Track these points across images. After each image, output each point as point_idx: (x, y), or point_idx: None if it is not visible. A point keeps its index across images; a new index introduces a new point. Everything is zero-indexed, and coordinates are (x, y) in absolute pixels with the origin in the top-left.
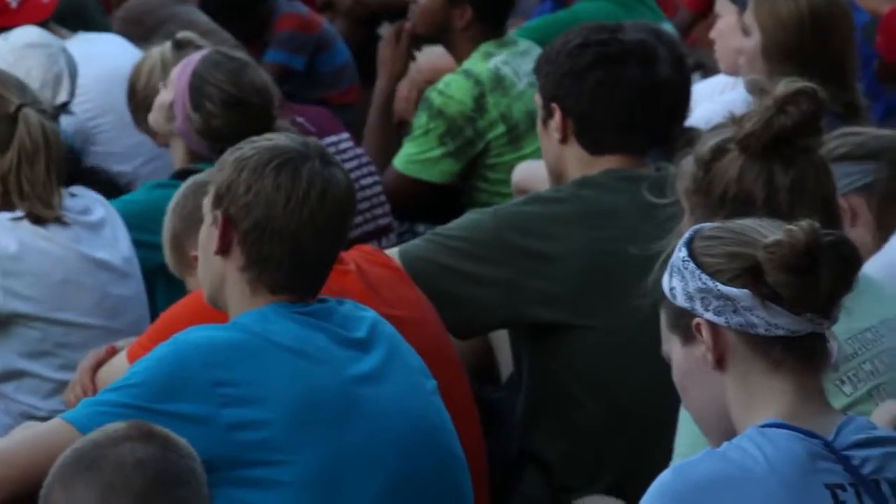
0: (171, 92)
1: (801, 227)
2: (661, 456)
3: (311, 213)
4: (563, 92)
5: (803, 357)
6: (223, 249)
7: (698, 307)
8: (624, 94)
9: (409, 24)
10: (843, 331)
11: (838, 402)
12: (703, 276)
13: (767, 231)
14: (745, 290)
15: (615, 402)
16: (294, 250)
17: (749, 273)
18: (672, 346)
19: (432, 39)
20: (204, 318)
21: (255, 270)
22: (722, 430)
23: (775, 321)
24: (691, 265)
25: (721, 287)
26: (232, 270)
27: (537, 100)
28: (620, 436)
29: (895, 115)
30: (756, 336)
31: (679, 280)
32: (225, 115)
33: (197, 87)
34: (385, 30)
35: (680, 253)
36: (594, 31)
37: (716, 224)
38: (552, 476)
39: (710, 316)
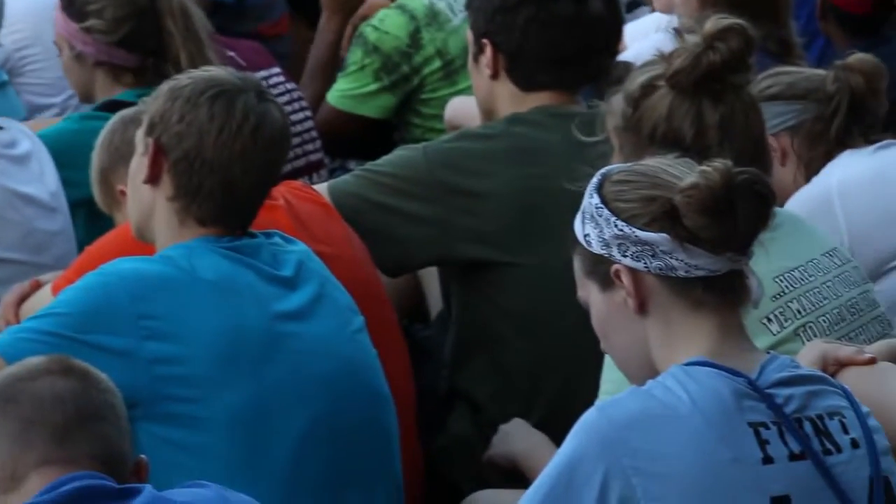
0: (63, 43)
1: (715, 167)
2: (589, 394)
3: (243, 147)
4: (494, 28)
5: (724, 295)
6: (153, 178)
7: (616, 254)
8: (556, 30)
9: None
10: (771, 270)
11: (766, 341)
12: (619, 223)
13: (679, 172)
14: (664, 235)
15: (544, 340)
16: (224, 183)
17: (666, 216)
18: (590, 293)
19: None
20: (130, 251)
21: (183, 201)
22: (645, 373)
23: (695, 262)
24: (605, 212)
25: (638, 232)
26: (161, 200)
27: (468, 36)
28: (549, 374)
29: (832, 51)
30: (676, 278)
31: (593, 227)
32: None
33: (69, 4)
34: None
35: (592, 199)
36: None
37: (623, 167)
38: (480, 414)
39: (628, 262)
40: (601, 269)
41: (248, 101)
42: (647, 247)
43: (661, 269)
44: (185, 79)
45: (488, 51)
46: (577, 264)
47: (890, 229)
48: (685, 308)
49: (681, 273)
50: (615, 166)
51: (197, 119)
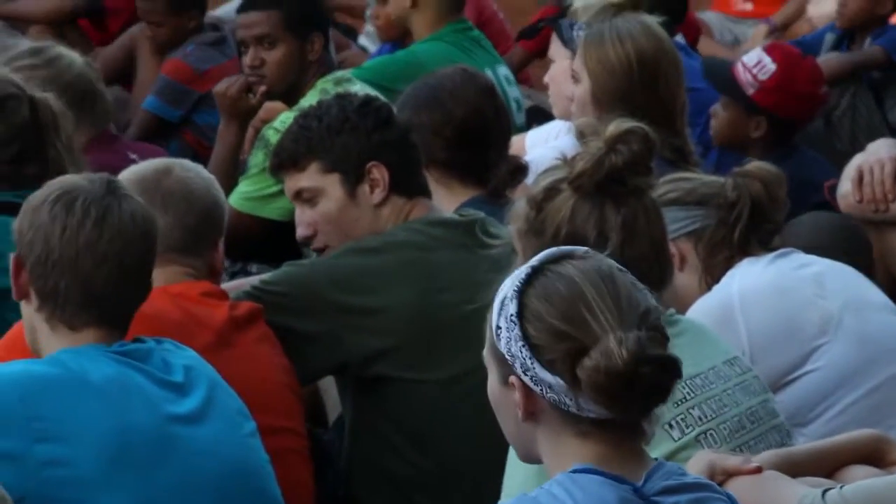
0: None
1: (627, 346)
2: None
3: (87, 240)
4: (375, 148)
5: (614, 430)
6: (21, 294)
7: (517, 368)
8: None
9: (265, 84)
10: None
11: (666, 447)
12: (524, 351)
13: (604, 319)
14: (560, 381)
15: (441, 453)
16: (77, 280)
17: (569, 359)
18: (489, 369)
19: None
20: (21, 351)
21: (48, 308)
22: (533, 457)
23: (588, 407)
24: (517, 330)
25: (538, 369)
26: (33, 314)
27: (325, 182)
28: (451, 486)
29: (727, 166)
30: (568, 411)
31: (505, 328)
32: None
33: None
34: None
35: (512, 302)
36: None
37: (558, 274)
38: None
39: (526, 380)
40: (502, 366)
41: (91, 197)
42: (544, 381)
43: (554, 401)
44: (38, 192)
45: (377, 172)
46: (487, 337)
47: (789, 341)
48: (573, 434)
49: (573, 410)
50: (549, 261)
51: (42, 224)
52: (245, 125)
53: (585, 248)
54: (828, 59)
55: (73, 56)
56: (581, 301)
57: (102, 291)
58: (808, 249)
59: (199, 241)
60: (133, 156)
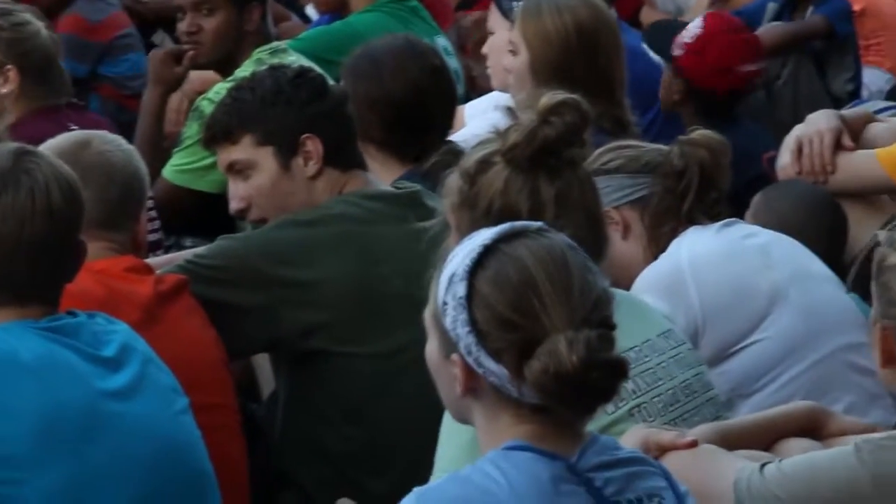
0: None
1: (577, 351)
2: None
3: None
4: (308, 120)
5: (553, 414)
6: None
7: (461, 348)
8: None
9: (194, 52)
10: None
11: (600, 421)
12: (470, 337)
13: (555, 313)
14: (504, 371)
15: (378, 431)
16: None
17: (516, 352)
18: (430, 334)
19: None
20: None
21: None
22: (468, 423)
23: (530, 395)
24: (464, 315)
25: (483, 357)
26: None
27: (258, 155)
28: (382, 465)
29: (670, 130)
30: (508, 395)
31: (452, 308)
32: None
33: None
34: (160, 39)
35: (460, 286)
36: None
37: (512, 259)
38: (309, 499)
39: (469, 361)
40: (445, 340)
41: None
42: (488, 368)
43: (494, 384)
44: None
45: (311, 144)
46: (430, 305)
47: (740, 308)
48: (511, 415)
49: (513, 394)
50: (501, 239)
51: None
52: (168, 93)
53: (540, 223)
54: (769, 29)
55: (39, 25)
56: (532, 290)
57: (6, 272)
58: (785, 222)
59: (121, 214)
60: (74, 127)
